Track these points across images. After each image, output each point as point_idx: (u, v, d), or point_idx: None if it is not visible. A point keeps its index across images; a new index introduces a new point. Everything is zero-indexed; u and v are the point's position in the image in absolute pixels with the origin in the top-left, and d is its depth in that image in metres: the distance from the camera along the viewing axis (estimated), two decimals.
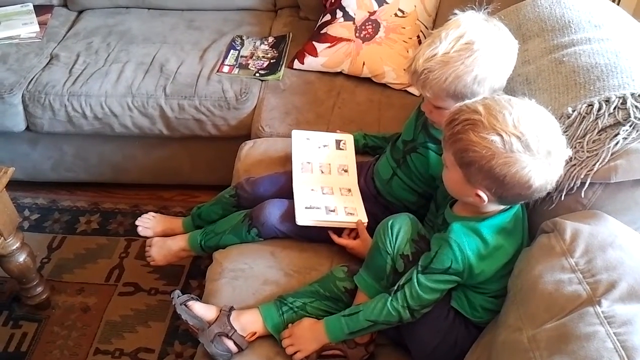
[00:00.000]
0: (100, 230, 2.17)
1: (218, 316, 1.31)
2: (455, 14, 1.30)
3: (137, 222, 1.76)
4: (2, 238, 1.63)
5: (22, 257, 1.73)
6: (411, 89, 1.94)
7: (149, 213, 1.79)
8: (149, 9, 2.39)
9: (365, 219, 1.46)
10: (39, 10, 2.36)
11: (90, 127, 2.02)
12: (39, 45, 2.20)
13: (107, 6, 2.40)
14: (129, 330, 1.85)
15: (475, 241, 1.16)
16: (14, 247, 1.69)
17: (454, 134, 1.09)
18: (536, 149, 1.04)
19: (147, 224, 1.74)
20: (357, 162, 1.63)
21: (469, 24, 1.26)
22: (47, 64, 2.11)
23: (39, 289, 1.85)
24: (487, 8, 1.30)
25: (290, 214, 1.46)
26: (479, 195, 1.11)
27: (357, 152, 1.67)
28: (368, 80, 1.99)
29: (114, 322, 1.87)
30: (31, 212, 2.24)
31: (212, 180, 2.20)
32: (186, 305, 1.33)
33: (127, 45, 2.17)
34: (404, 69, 1.85)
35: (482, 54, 1.22)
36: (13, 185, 2.22)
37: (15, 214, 1.68)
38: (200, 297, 1.48)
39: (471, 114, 1.07)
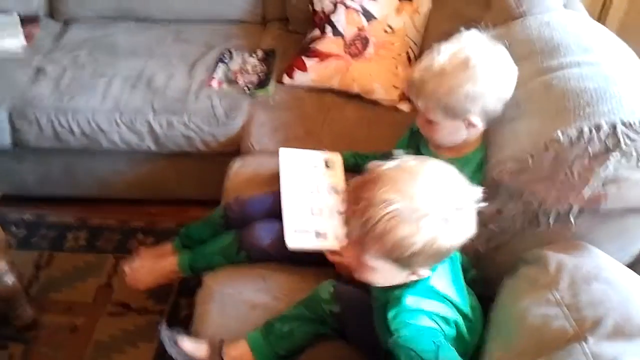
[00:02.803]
0: (88, 246, 2.15)
1: (209, 354, 1.29)
2: (460, 31, 1.32)
3: (127, 269, 1.68)
4: None
5: (10, 280, 1.71)
6: (401, 106, 1.94)
7: (139, 248, 1.74)
8: (136, 20, 2.36)
9: None
10: (25, 21, 2.32)
11: (77, 143, 2.00)
12: (24, 58, 2.17)
13: (93, 17, 2.37)
14: (118, 351, 1.83)
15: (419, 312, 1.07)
16: (2, 271, 1.67)
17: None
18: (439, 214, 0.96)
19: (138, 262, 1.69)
20: (346, 181, 1.63)
21: (470, 41, 1.28)
22: (34, 78, 2.09)
23: (27, 311, 1.82)
24: (491, 32, 1.31)
25: (279, 236, 1.44)
26: None
27: (347, 171, 1.66)
28: (358, 96, 1.98)
29: (103, 343, 1.85)
30: (17, 227, 2.21)
31: (201, 195, 2.17)
32: (175, 342, 1.31)
33: (114, 58, 2.15)
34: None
35: (477, 71, 1.24)
36: None
37: (2, 236, 1.66)
38: (189, 318, 1.46)
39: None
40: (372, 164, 1.02)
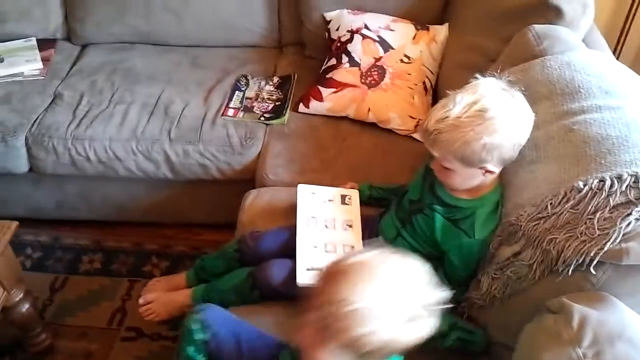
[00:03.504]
0: (103, 270, 2.16)
1: None
2: (476, 77, 1.30)
3: (141, 301, 1.70)
4: (6, 292, 1.62)
5: (24, 308, 1.72)
6: (417, 135, 1.93)
7: (152, 280, 1.76)
8: (153, 44, 2.37)
9: None
10: (42, 44, 2.35)
11: (94, 170, 2.00)
12: (42, 83, 2.18)
13: (111, 41, 2.38)
14: None
15: None
16: (17, 299, 1.68)
17: None
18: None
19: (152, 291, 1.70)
20: (362, 216, 1.62)
21: (485, 90, 1.26)
22: (51, 103, 2.10)
23: (42, 337, 1.84)
24: (508, 76, 1.30)
25: (292, 275, 1.44)
26: None
27: (362, 203, 1.66)
28: (373, 125, 1.98)
29: None
30: (33, 249, 2.22)
31: (216, 220, 2.19)
32: None
33: (132, 84, 2.16)
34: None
35: (493, 122, 1.22)
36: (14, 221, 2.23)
37: (17, 266, 1.68)
38: None
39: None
40: (341, 257, 0.99)
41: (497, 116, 1.22)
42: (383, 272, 0.94)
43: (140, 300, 1.68)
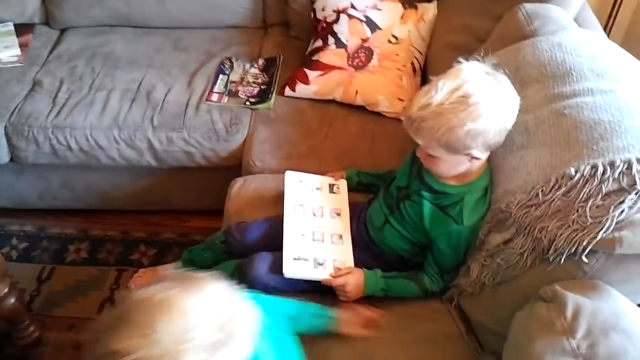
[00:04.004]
0: (90, 259, 2.13)
1: None
2: (460, 62, 1.26)
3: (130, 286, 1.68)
4: None
5: (10, 302, 1.68)
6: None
7: (139, 271, 1.73)
8: (134, 27, 2.30)
9: None
10: (20, 29, 2.27)
11: (76, 159, 1.96)
12: (20, 70, 2.12)
13: (91, 24, 2.31)
14: None
15: None
16: (3, 293, 1.65)
17: None
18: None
19: (139, 282, 1.68)
20: (350, 203, 1.59)
21: (468, 75, 1.22)
22: (30, 91, 2.04)
23: (30, 329, 1.81)
24: (493, 59, 1.26)
25: (278, 267, 1.41)
26: None
27: (350, 189, 1.63)
28: (361, 108, 1.94)
29: None
30: (19, 240, 2.19)
31: (202, 206, 2.16)
32: None
33: (112, 69, 2.10)
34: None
35: (477, 108, 1.19)
36: None
37: (1, 259, 1.64)
38: None
39: None
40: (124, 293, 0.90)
41: (480, 101, 1.18)
42: (176, 305, 0.81)
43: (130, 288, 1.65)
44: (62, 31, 2.32)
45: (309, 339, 1.35)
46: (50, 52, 2.22)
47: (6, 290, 1.66)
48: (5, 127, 1.92)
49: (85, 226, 2.24)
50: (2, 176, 2.08)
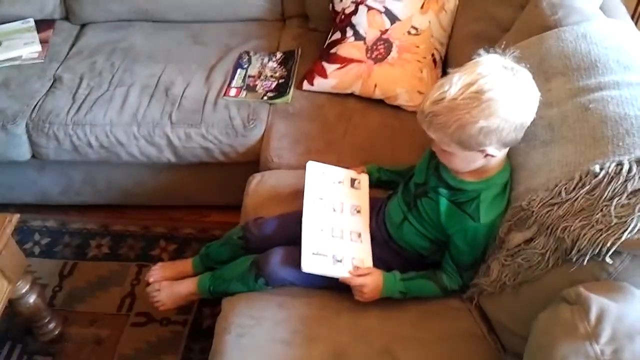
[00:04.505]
0: (111, 255, 2.14)
1: None
2: (479, 54, 1.22)
3: (148, 279, 1.68)
4: (11, 285, 1.61)
5: (32, 299, 1.71)
6: None
7: (157, 264, 1.73)
8: (153, 21, 2.30)
9: None
10: (40, 25, 2.29)
11: (96, 156, 1.97)
12: (41, 67, 2.13)
13: (110, 19, 2.32)
14: None
15: None
16: (24, 291, 1.67)
17: None
18: None
19: (157, 275, 1.68)
20: (369, 197, 1.56)
21: (484, 70, 1.18)
22: (50, 87, 2.05)
23: (51, 325, 1.84)
24: (514, 52, 1.21)
25: (296, 262, 1.40)
26: None
27: (371, 186, 1.60)
28: (381, 102, 1.90)
29: (127, 356, 1.85)
30: (41, 235, 2.21)
31: (222, 202, 2.16)
32: None
33: (132, 64, 2.10)
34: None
35: (490, 105, 1.15)
36: (22, 207, 2.22)
37: (22, 258, 1.66)
38: (212, 329, 1.44)
39: None
40: None
41: (494, 97, 1.14)
42: None
43: (147, 289, 1.65)
44: (82, 26, 2.34)
45: (327, 337, 1.35)
46: (71, 47, 2.24)
47: (27, 287, 1.69)
48: (26, 124, 1.94)
49: (106, 221, 2.25)
50: (25, 172, 2.11)
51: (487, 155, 1.22)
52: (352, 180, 1.58)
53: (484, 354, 1.34)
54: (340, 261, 1.41)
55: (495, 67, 1.18)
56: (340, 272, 1.39)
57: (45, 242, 2.19)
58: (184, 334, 1.89)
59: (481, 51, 1.23)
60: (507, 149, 1.28)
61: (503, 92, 1.15)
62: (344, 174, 1.59)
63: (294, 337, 1.35)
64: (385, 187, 1.63)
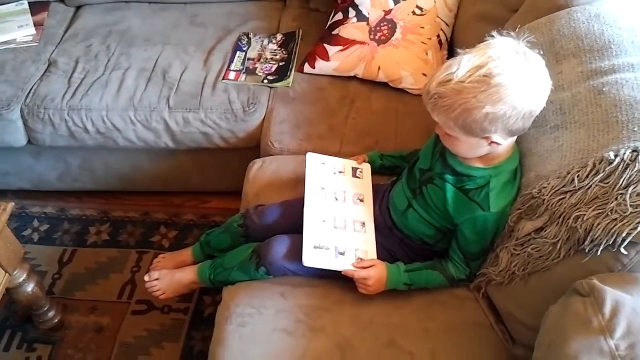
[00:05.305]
0: (111, 241, 2.11)
1: None
2: (492, 35, 1.17)
3: (147, 278, 1.62)
4: (7, 274, 1.57)
5: (29, 287, 1.68)
6: None
7: (159, 256, 1.69)
8: (149, 2, 2.24)
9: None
10: (35, 7, 2.23)
11: (93, 141, 1.92)
12: (35, 50, 2.08)
13: (105, 1, 2.26)
14: (143, 352, 1.81)
15: None
16: (21, 280, 1.64)
17: None
18: None
19: (160, 268, 1.64)
20: (372, 185, 1.53)
21: (496, 53, 1.12)
22: (45, 71, 2.00)
23: (51, 314, 1.81)
24: (528, 36, 1.16)
25: (297, 251, 1.36)
26: None
27: (373, 172, 1.56)
28: (384, 84, 1.85)
29: (128, 344, 1.83)
30: (40, 222, 2.18)
31: (222, 187, 2.12)
32: None
33: (128, 47, 2.05)
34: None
35: (498, 90, 1.09)
36: (21, 193, 2.19)
37: (18, 246, 1.62)
38: (213, 317, 1.41)
39: None
40: None
41: (503, 83, 1.09)
42: None
43: (146, 277, 1.62)
44: (77, 8, 2.28)
45: (330, 328, 1.32)
46: (66, 30, 2.18)
47: (24, 276, 1.65)
48: (22, 109, 1.89)
49: (106, 208, 2.22)
50: (21, 158, 2.07)
51: (491, 142, 1.18)
52: (354, 170, 1.54)
53: (492, 345, 1.31)
54: (343, 253, 1.37)
55: (507, 50, 1.12)
56: (343, 265, 1.36)
57: (44, 229, 2.16)
58: (185, 321, 1.87)
59: (494, 33, 1.17)
60: (514, 137, 1.23)
61: (513, 78, 1.09)
62: (344, 163, 1.55)
63: (296, 327, 1.32)
64: (389, 173, 1.59)
